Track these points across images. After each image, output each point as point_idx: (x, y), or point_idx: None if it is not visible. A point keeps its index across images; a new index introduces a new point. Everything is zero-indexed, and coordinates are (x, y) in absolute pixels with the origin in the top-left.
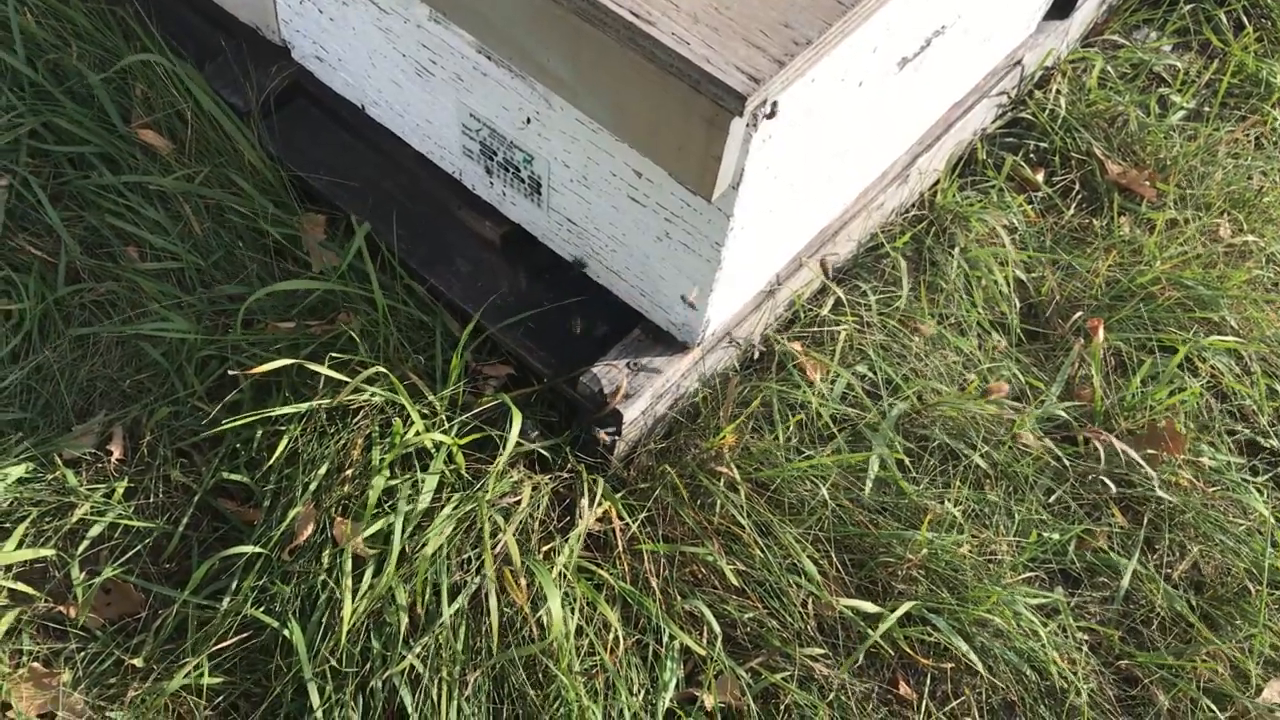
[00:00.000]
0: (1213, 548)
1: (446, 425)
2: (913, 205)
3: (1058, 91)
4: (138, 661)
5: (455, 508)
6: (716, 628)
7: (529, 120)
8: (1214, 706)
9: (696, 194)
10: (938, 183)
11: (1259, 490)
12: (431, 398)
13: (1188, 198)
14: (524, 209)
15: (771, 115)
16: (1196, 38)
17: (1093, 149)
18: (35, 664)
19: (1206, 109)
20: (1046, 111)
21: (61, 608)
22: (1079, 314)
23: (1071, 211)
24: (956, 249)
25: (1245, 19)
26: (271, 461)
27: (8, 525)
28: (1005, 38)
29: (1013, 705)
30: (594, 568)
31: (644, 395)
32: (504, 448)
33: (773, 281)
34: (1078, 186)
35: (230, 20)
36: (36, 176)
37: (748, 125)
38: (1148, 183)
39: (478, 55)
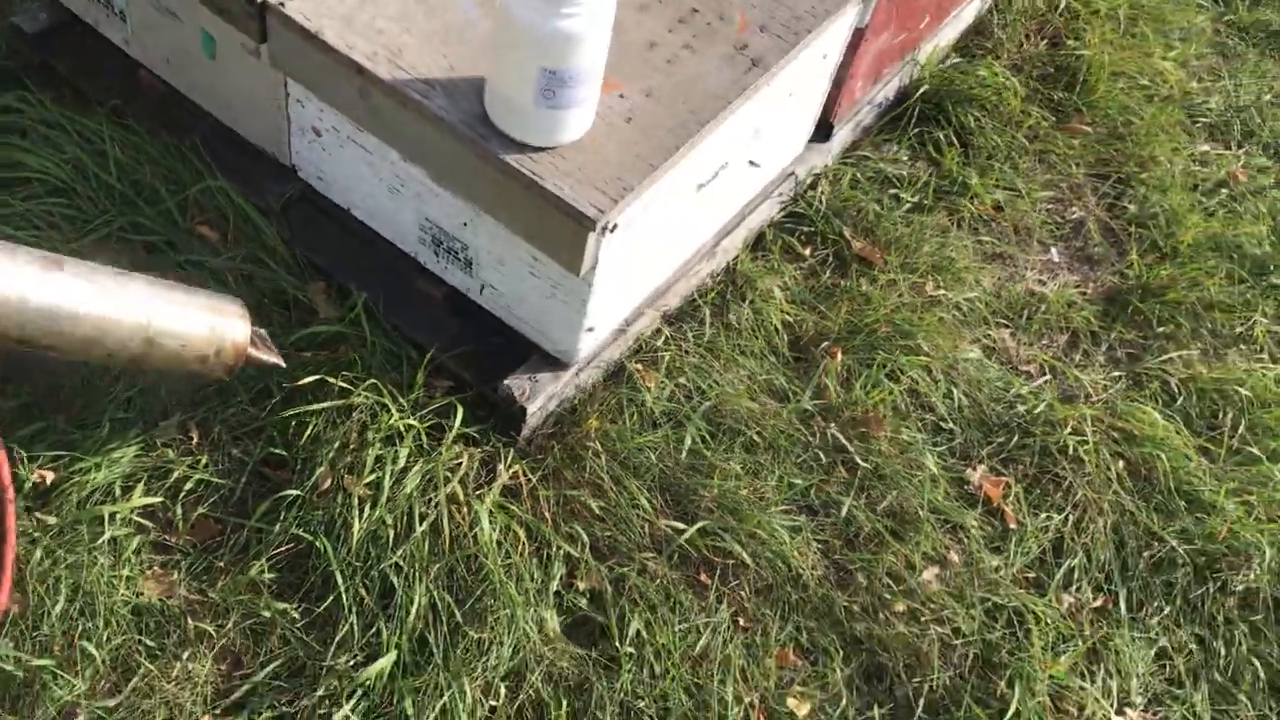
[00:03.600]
0: (903, 490)
1: (414, 416)
2: (720, 271)
3: (821, 192)
4: (222, 564)
5: (421, 466)
6: (586, 540)
7: (466, 223)
8: (892, 583)
9: (569, 272)
10: (737, 256)
11: (932, 454)
12: (403, 399)
13: (904, 264)
14: (459, 278)
15: (613, 230)
16: (922, 151)
17: (844, 231)
18: (155, 568)
19: (925, 202)
20: (813, 207)
21: (168, 536)
22: (826, 343)
23: (827, 275)
24: (747, 301)
25: (956, 139)
26: (302, 441)
27: (131, 483)
28: (780, 159)
29: (770, 585)
30: (509, 505)
31: (540, 397)
32: (450, 430)
33: (623, 324)
34: (831, 258)
35: (257, 149)
36: (122, 256)
37: (598, 235)
38: (879, 255)
39: (432, 184)
